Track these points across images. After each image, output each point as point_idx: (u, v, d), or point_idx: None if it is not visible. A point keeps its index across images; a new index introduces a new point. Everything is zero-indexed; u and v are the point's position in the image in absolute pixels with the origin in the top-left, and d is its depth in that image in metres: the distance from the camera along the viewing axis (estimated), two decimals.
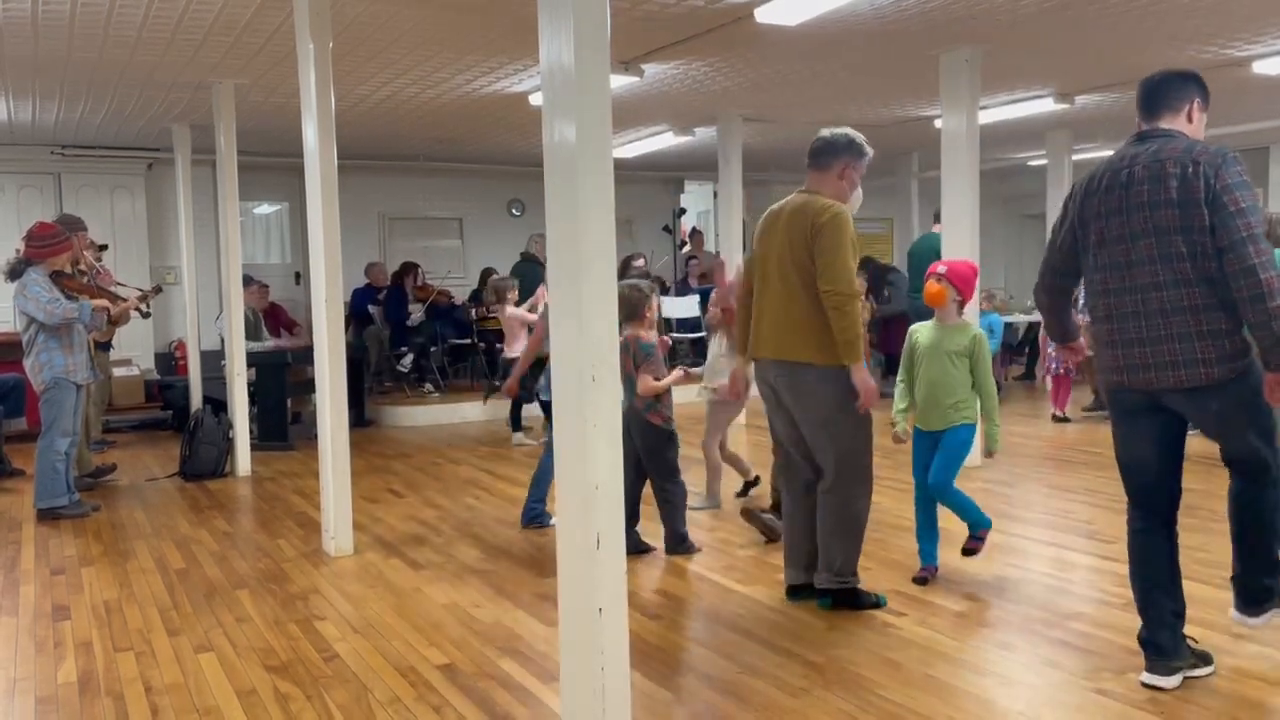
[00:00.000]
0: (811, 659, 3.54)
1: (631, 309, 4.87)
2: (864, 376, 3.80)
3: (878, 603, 4.06)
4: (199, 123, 8.52)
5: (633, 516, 4.96)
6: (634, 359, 4.82)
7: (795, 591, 4.17)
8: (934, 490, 4.31)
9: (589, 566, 2.63)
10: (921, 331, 4.35)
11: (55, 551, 5.32)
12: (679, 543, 4.92)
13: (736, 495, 6.09)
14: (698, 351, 9.80)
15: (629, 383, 4.79)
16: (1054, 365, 8.70)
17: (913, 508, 4.45)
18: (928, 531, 4.41)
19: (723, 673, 3.46)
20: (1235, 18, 6.35)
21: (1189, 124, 3.20)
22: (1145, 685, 3.21)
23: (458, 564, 4.88)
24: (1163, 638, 3.21)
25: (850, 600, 4.02)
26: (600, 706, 2.64)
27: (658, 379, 4.85)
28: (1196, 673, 3.26)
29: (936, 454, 4.27)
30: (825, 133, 4.16)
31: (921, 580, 4.33)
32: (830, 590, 4.03)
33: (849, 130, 4.15)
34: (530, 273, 9.72)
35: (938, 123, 7.45)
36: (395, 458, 7.87)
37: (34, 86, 7.44)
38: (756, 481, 6.10)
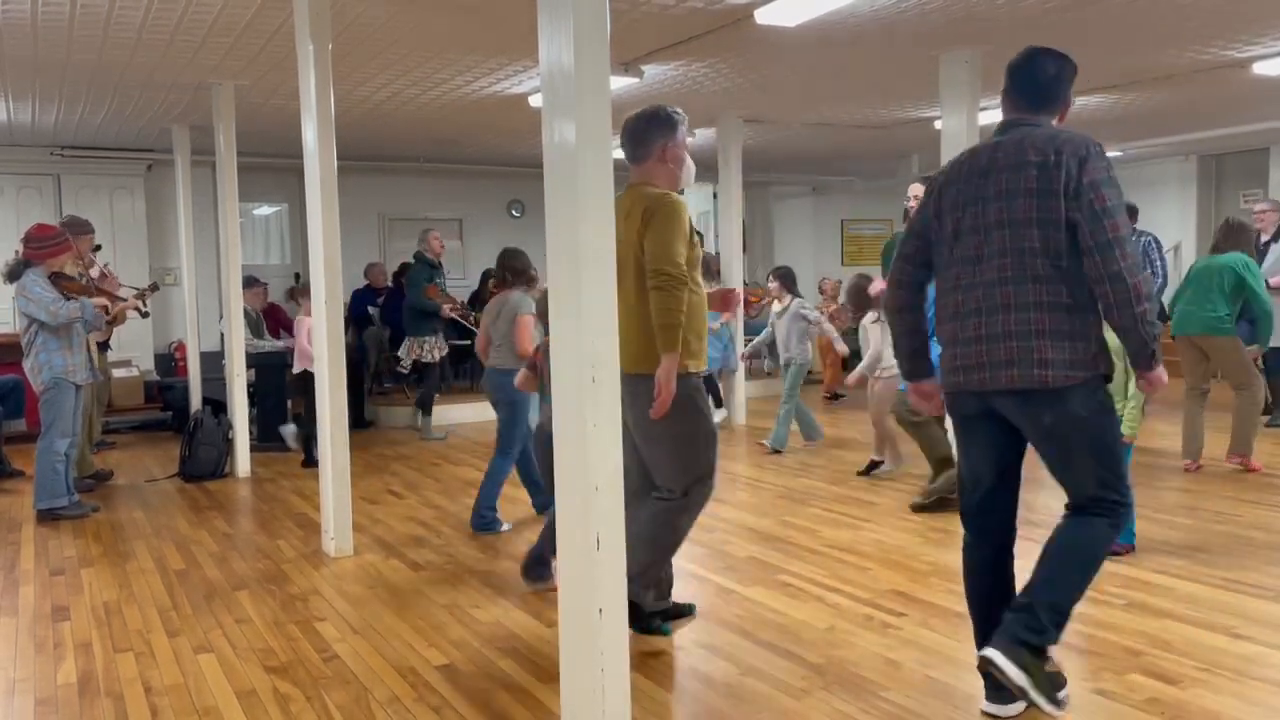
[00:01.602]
0: (812, 660, 3.54)
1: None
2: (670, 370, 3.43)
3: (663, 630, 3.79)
4: (199, 124, 8.52)
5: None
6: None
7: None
8: None
9: (589, 566, 2.63)
10: None
11: (55, 552, 5.32)
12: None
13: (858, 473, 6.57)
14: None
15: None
16: None
17: (911, 508, 4.44)
18: None
19: (723, 674, 3.46)
20: (1235, 18, 6.35)
21: (1062, 120, 3.01)
22: (985, 714, 3.01)
23: (457, 564, 4.88)
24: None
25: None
26: (600, 706, 2.64)
27: None
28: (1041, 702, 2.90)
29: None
30: (629, 118, 3.69)
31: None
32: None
33: (654, 106, 3.71)
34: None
35: (938, 123, 7.45)
36: (395, 458, 7.87)
37: (33, 87, 7.43)
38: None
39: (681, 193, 3.74)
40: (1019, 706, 2.97)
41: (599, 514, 2.63)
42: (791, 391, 7.65)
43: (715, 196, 12.33)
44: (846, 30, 6.39)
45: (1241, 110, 9.65)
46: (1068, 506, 2.98)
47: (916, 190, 5.91)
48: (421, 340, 8.97)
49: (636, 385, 3.43)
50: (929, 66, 7.10)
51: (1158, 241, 8.49)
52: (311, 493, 6.37)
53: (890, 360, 6.26)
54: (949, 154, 6.95)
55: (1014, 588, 3.06)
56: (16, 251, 6.38)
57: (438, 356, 9.09)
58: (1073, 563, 2.90)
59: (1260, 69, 7.62)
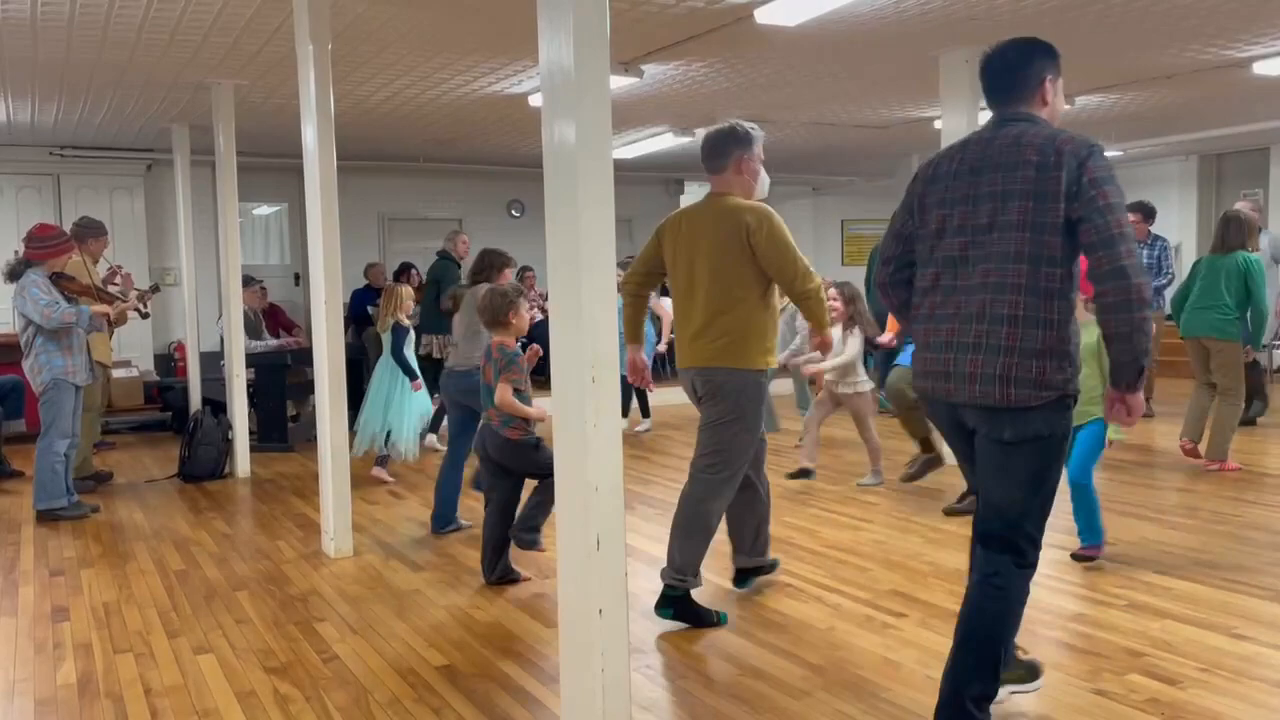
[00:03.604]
0: (812, 660, 3.54)
1: (493, 314, 4.58)
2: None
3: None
4: (198, 123, 8.51)
5: (504, 542, 4.61)
6: (494, 366, 4.50)
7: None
8: (1074, 486, 4.45)
9: (589, 567, 2.63)
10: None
11: (54, 553, 5.31)
12: (529, 533, 4.57)
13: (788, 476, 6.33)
14: None
15: (488, 392, 4.55)
16: None
17: (911, 504, 4.44)
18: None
19: (723, 674, 3.46)
20: (1235, 18, 6.35)
21: (1045, 106, 2.83)
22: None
23: (457, 565, 4.88)
24: None
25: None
26: (600, 707, 2.64)
27: (519, 390, 4.52)
28: (1022, 687, 3.11)
29: (1073, 449, 4.31)
30: (708, 132, 3.99)
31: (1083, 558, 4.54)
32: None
33: (731, 121, 4.00)
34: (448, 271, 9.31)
35: (938, 123, 7.45)
36: (394, 458, 7.85)
37: (33, 87, 7.43)
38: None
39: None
40: (1003, 692, 2.98)
41: (599, 514, 2.63)
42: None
43: None
44: (846, 30, 6.39)
45: (1241, 110, 9.65)
46: (978, 535, 2.82)
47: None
48: (446, 338, 9.11)
49: (714, 376, 3.84)
50: (929, 66, 7.10)
51: (1167, 244, 8.56)
52: (311, 493, 6.37)
53: (862, 374, 6.36)
54: None
55: None
56: (17, 251, 6.37)
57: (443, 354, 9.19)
58: (995, 639, 2.74)
59: (1260, 69, 7.62)
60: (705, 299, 3.83)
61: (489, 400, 4.54)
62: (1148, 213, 8.69)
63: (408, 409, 6.83)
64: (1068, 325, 2.66)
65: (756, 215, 3.79)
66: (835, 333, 6.09)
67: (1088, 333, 4.00)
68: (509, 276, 5.78)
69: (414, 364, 6.87)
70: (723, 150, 3.90)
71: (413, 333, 7.03)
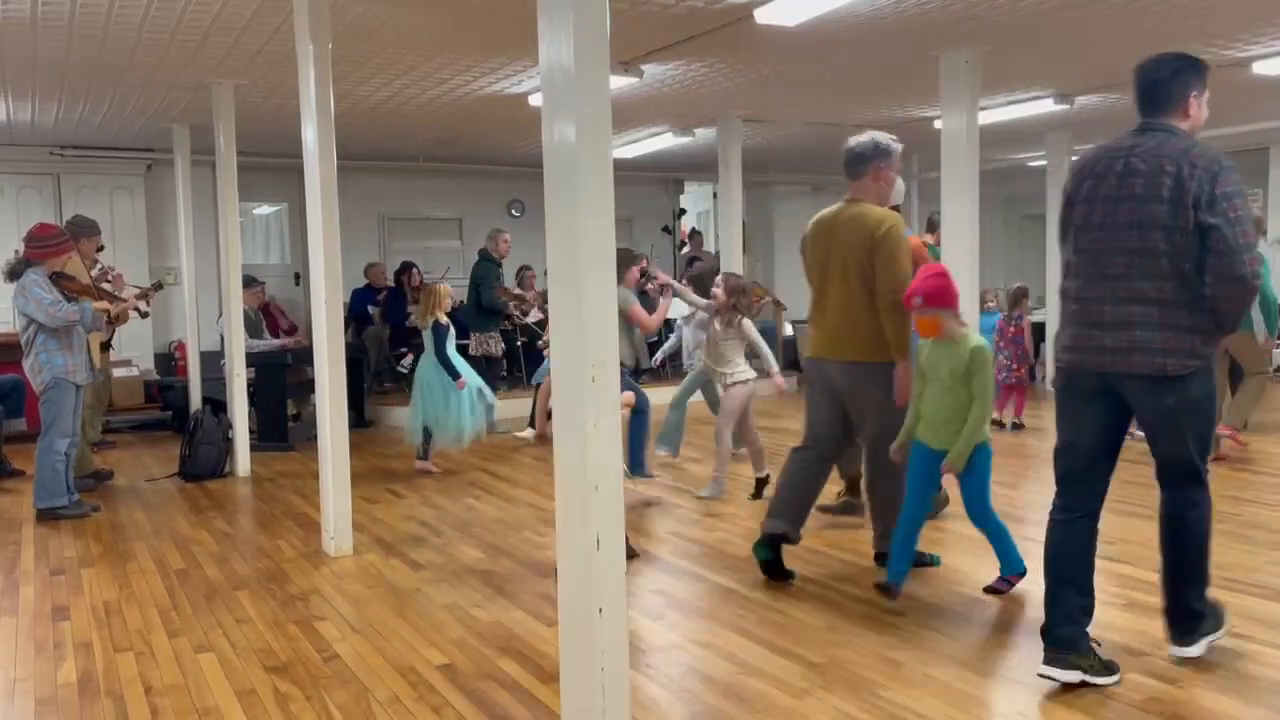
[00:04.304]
0: (812, 659, 3.54)
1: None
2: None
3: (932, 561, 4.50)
4: (199, 123, 8.51)
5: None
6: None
7: (774, 540, 4.45)
8: (973, 518, 4.17)
9: (589, 566, 2.63)
10: (922, 348, 4.13)
11: (55, 552, 5.32)
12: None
13: (751, 497, 6.05)
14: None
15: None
16: (1003, 375, 8.41)
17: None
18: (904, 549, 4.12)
19: (723, 673, 3.46)
20: (1235, 18, 6.35)
21: (1188, 118, 3.23)
22: (1042, 676, 3.21)
23: (457, 564, 4.88)
24: (1065, 632, 3.22)
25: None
26: (600, 706, 2.64)
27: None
28: (1098, 680, 3.21)
29: (962, 482, 4.09)
30: (851, 143, 4.44)
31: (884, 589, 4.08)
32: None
33: (872, 134, 4.44)
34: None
35: (938, 123, 7.44)
36: (395, 458, 7.86)
37: (33, 87, 7.43)
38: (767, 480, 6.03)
39: (897, 208, 4.58)
40: (1075, 676, 3.20)
41: (599, 514, 2.63)
42: (683, 397, 6.97)
43: (715, 196, 12.35)
44: (846, 30, 6.39)
45: (1241, 110, 9.65)
46: (1162, 479, 3.31)
47: None
48: (487, 335, 9.53)
49: (854, 369, 4.30)
50: (929, 66, 7.10)
51: None
52: (311, 492, 6.37)
53: (741, 365, 6.10)
54: (949, 153, 6.97)
55: (1094, 564, 3.32)
56: (17, 251, 6.38)
57: (499, 351, 9.45)
58: (1204, 546, 3.32)
59: (1260, 69, 7.62)
60: (836, 296, 4.34)
61: None
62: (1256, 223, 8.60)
63: (457, 404, 6.97)
64: (1202, 307, 3.07)
65: (882, 224, 4.23)
66: (743, 324, 6.13)
67: (944, 352, 3.99)
68: (635, 275, 6.18)
69: (457, 362, 7.03)
70: (864, 160, 4.38)
71: (453, 329, 7.16)
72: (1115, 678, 3.24)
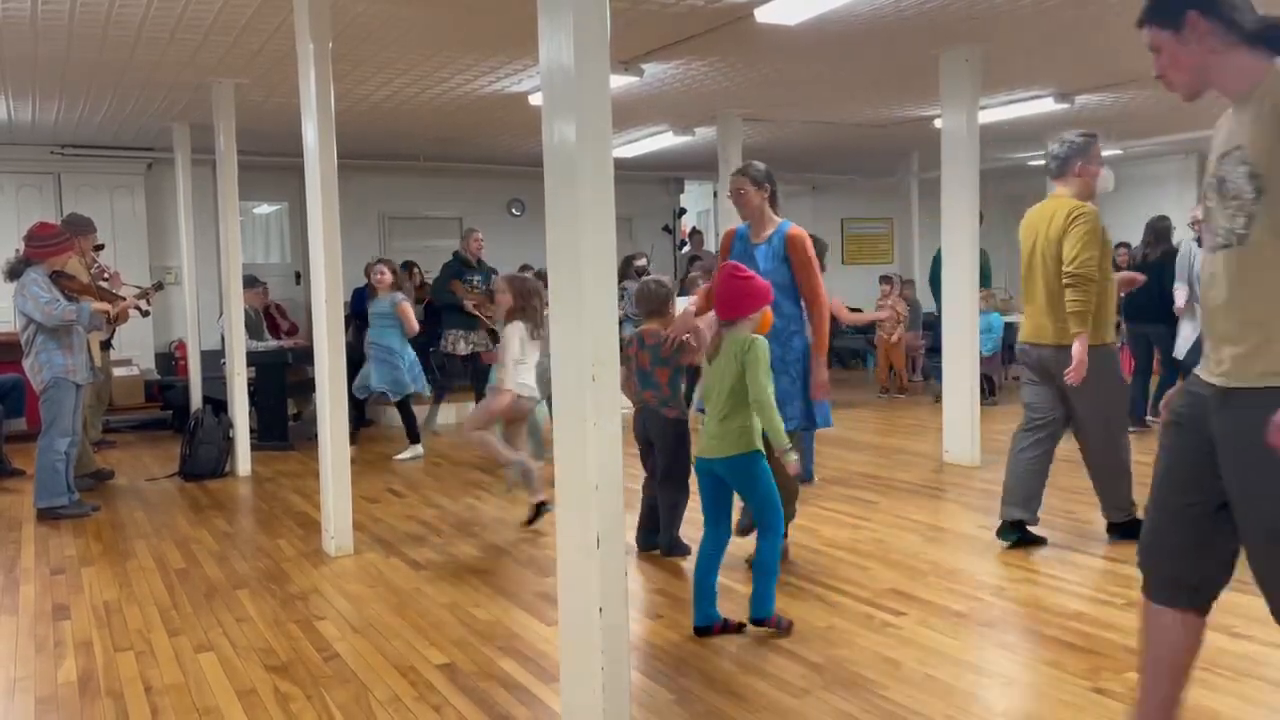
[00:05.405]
0: (812, 659, 3.54)
1: (658, 304, 4.96)
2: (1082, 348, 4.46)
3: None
4: (199, 122, 8.51)
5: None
6: (649, 352, 4.81)
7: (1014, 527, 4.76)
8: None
9: (589, 566, 2.63)
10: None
11: (55, 551, 5.32)
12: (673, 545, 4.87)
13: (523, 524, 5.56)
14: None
15: (642, 376, 4.86)
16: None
17: (910, 503, 4.44)
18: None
19: (723, 673, 3.46)
20: None
21: None
22: None
23: (458, 564, 4.88)
24: None
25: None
26: (600, 707, 2.64)
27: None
28: None
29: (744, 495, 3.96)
30: (1052, 148, 4.75)
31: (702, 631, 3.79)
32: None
33: (1067, 135, 4.73)
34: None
35: (938, 123, 7.45)
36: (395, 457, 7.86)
37: (34, 86, 7.44)
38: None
39: (1094, 200, 4.75)
40: None
41: (599, 513, 2.63)
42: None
43: (715, 195, 12.35)
44: (847, 29, 6.39)
45: None
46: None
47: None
48: (458, 335, 9.29)
49: (1060, 354, 4.59)
50: (929, 65, 7.10)
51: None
52: (312, 492, 6.37)
53: (513, 372, 5.54)
54: (949, 153, 6.97)
55: None
56: (17, 250, 6.38)
57: (462, 350, 9.36)
58: None
59: None
60: (1039, 284, 4.66)
61: (645, 384, 4.83)
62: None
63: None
64: None
65: (1073, 214, 4.54)
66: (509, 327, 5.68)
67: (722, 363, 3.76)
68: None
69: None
70: (1066, 159, 4.67)
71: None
72: None
